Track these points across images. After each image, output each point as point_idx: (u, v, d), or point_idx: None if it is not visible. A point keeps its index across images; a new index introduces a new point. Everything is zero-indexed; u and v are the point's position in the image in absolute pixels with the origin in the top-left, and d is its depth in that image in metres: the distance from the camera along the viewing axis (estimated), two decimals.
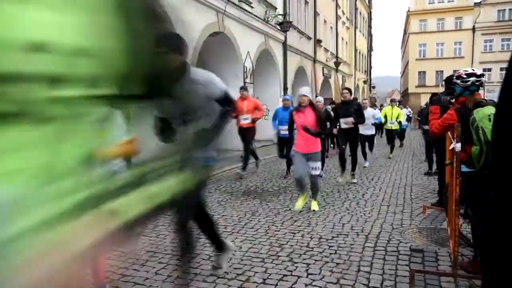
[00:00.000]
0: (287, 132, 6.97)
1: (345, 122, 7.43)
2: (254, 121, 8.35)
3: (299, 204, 5.67)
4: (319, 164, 5.50)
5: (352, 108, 7.45)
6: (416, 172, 8.96)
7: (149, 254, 3.98)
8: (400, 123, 12.64)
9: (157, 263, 3.73)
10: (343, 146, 7.57)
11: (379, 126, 16.77)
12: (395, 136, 12.71)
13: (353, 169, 7.85)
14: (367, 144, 10.10)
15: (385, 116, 12.46)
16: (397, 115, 12.33)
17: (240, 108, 8.12)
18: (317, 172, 5.51)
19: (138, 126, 2.90)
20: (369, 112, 10.20)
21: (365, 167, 9.62)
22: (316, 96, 11.81)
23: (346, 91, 7.74)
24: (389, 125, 12.47)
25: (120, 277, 3.43)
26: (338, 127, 7.80)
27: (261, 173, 9.00)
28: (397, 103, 17.38)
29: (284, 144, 7.95)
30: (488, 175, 2.65)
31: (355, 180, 7.66)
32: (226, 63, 13.12)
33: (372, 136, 10.62)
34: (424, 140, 10.06)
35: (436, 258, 3.75)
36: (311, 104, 5.39)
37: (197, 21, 10.52)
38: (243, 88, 8.63)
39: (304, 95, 5.35)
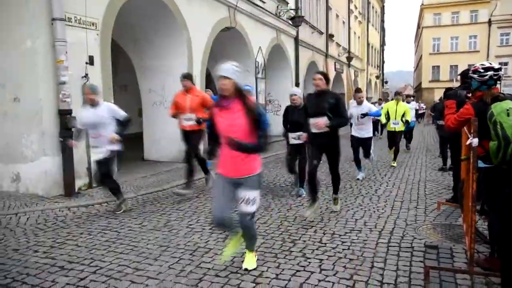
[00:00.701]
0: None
1: (315, 124, 4.75)
2: (199, 122, 6.07)
3: (227, 255, 3.52)
4: (255, 194, 3.22)
5: (326, 102, 4.77)
6: (430, 167, 8.85)
7: (162, 248, 4.01)
8: (407, 122, 9.60)
9: (170, 258, 3.76)
10: (314, 162, 4.92)
11: (376, 124, 14.81)
12: (399, 139, 9.60)
13: (336, 191, 5.27)
14: (361, 149, 7.75)
15: (387, 114, 9.50)
16: (402, 113, 9.35)
17: (181, 104, 6.15)
18: (252, 209, 3.23)
19: None
20: (363, 108, 7.62)
21: (358, 179, 7.48)
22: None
23: (318, 76, 4.86)
24: (391, 126, 9.45)
25: (133, 271, 3.47)
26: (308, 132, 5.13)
27: (273, 168, 8.99)
28: (408, 98, 14.31)
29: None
30: (506, 171, 2.61)
31: (337, 208, 5.27)
32: (237, 58, 13.08)
33: (369, 140, 7.81)
34: (438, 135, 9.93)
35: (451, 255, 3.70)
36: (240, 94, 3.15)
37: (209, 16, 10.52)
38: (186, 77, 6.22)
39: (225, 77, 3.09)
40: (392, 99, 10.10)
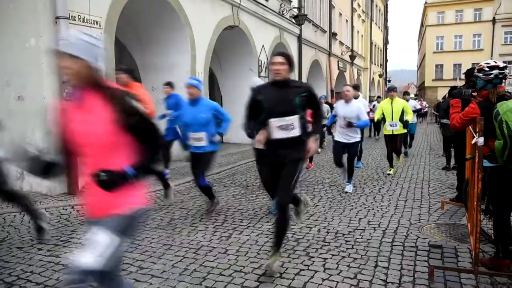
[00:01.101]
0: (203, 143, 4.79)
1: (281, 127, 3.35)
2: None
3: None
4: (108, 239, 1.88)
5: (296, 96, 3.38)
6: (434, 166, 8.82)
7: (166, 247, 4.01)
8: (406, 123, 7.75)
9: (174, 256, 3.76)
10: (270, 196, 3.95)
11: (376, 124, 13.79)
12: (400, 143, 8.11)
13: (278, 243, 3.39)
14: (346, 156, 6.43)
15: (382, 115, 7.86)
16: (400, 111, 7.64)
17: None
18: (92, 262, 1.83)
19: None
20: (352, 108, 6.14)
21: (346, 192, 6.27)
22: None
23: (279, 59, 3.37)
24: (388, 129, 7.80)
25: (137, 270, 3.47)
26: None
27: None
28: (405, 96, 11.31)
29: (198, 163, 4.93)
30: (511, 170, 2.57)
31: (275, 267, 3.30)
32: (241, 57, 13.11)
33: (356, 144, 6.45)
34: (441, 134, 9.89)
35: (455, 254, 3.68)
36: (97, 82, 1.93)
37: (212, 14, 10.51)
38: (123, 70, 5.26)
39: (69, 55, 1.84)
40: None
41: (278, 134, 3.37)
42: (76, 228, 4.71)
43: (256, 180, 7.49)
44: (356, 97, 8.18)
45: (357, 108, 6.18)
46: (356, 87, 8.77)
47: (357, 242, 4.07)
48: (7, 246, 4.13)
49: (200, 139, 4.78)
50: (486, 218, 4.38)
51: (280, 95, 3.38)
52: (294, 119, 3.35)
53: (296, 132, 3.37)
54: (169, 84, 7.39)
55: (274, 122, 3.37)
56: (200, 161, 4.89)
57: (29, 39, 6.04)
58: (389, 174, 7.86)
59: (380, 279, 3.21)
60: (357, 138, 6.35)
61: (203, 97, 4.96)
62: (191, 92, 4.79)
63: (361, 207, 5.42)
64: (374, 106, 13.50)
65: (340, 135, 6.33)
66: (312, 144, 3.44)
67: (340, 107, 6.36)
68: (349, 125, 6.12)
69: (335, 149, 6.46)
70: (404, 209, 5.30)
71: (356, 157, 7.21)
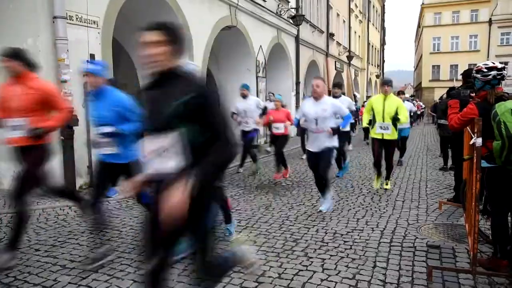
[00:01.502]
0: (113, 150, 3.57)
1: (154, 152, 1.96)
2: (37, 135, 3.59)
3: None
4: None
5: (169, 100, 1.92)
6: (431, 167, 8.84)
7: None
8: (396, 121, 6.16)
9: None
10: (152, 263, 2.19)
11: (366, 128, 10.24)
12: (392, 152, 6.47)
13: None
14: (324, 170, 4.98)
15: (372, 113, 6.30)
16: (394, 112, 6.09)
17: (5, 102, 3.63)
18: None
19: None
20: (325, 107, 4.86)
21: (320, 211, 5.02)
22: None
23: (152, 36, 2.02)
24: (378, 132, 6.21)
25: (135, 270, 3.46)
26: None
27: (273, 167, 8.97)
28: (399, 95, 9.27)
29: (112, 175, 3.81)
30: (510, 171, 2.59)
31: None
32: (238, 57, 13.10)
33: (329, 152, 4.93)
34: (439, 135, 9.92)
35: (453, 255, 3.69)
36: None
37: (210, 15, 10.50)
38: (10, 56, 3.52)
39: None
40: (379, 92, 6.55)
41: (153, 165, 1.99)
42: (74, 228, 4.70)
43: (254, 181, 7.49)
44: (338, 96, 7.60)
45: (331, 104, 4.92)
46: (338, 85, 7.99)
47: (355, 242, 4.08)
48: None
49: (107, 144, 3.54)
50: (484, 219, 4.39)
51: (156, 98, 2.02)
52: (169, 140, 1.92)
53: (174, 162, 1.93)
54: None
55: (146, 144, 2.01)
56: (120, 174, 3.71)
57: (26, 38, 6.02)
58: (379, 184, 6.46)
59: (378, 279, 3.22)
60: (332, 143, 4.93)
61: (108, 88, 3.61)
62: (89, 82, 3.56)
63: (359, 208, 5.43)
64: None
65: (312, 143, 5.03)
66: (176, 193, 1.80)
67: (308, 106, 5.00)
68: (336, 132, 4.92)
69: (308, 161, 5.22)
70: (402, 210, 5.31)
71: (338, 164, 6.04)
